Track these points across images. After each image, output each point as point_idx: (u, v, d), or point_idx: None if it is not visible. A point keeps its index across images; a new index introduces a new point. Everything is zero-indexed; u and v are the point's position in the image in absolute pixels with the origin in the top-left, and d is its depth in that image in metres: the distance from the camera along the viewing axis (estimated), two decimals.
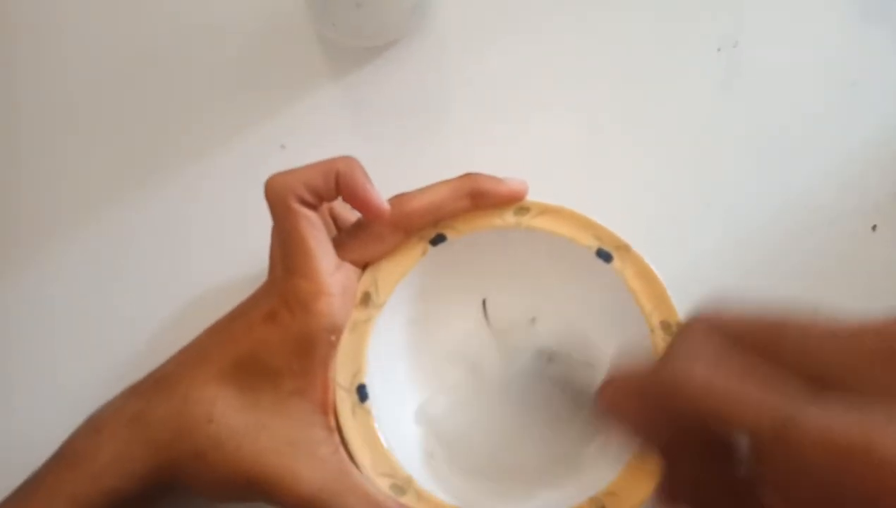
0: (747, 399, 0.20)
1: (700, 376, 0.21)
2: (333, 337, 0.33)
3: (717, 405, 0.20)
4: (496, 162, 0.36)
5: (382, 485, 0.33)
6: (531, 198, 0.35)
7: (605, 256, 0.34)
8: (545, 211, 0.35)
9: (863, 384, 0.19)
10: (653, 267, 0.34)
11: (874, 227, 0.40)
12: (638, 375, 0.24)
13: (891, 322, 0.20)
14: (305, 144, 0.41)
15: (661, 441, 0.24)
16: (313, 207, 0.33)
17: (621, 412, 0.24)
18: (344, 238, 0.35)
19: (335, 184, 0.32)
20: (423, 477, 0.34)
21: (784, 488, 0.19)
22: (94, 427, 0.32)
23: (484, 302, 0.37)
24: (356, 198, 0.33)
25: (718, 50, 0.43)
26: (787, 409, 0.19)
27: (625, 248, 0.34)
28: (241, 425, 0.31)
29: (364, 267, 0.35)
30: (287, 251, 0.33)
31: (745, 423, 0.20)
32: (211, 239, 0.41)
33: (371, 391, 0.34)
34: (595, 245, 0.35)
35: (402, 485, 0.33)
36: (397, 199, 0.34)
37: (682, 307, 0.34)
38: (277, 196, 0.32)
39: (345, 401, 0.33)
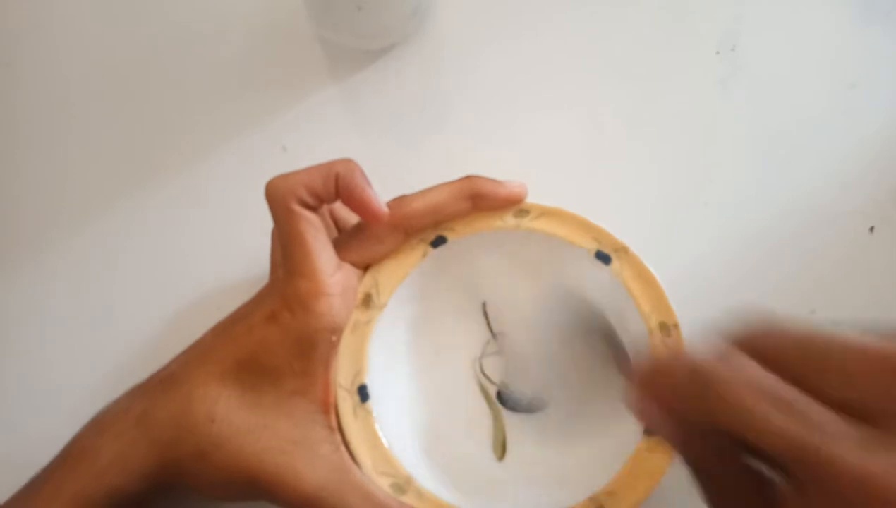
0: (786, 422, 0.20)
1: (741, 392, 0.21)
2: (334, 338, 0.33)
3: (752, 423, 0.20)
4: (495, 164, 0.37)
5: (383, 484, 0.33)
6: (530, 199, 0.35)
7: (603, 258, 0.35)
8: (545, 213, 0.35)
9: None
10: (651, 268, 0.34)
11: (872, 229, 0.40)
12: (673, 373, 0.23)
13: None
14: (306, 146, 0.41)
15: (682, 434, 0.24)
16: (313, 209, 0.33)
17: (651, 397, 0.24)
18: (344, 239, 0.35)
19: (334, 186, 0.33)
20: (423, 476, 0.34)
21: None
22: (98, 426, 0.32)
23: (484, 305, 0.38)
24: (354, 201, 0.33)
25: (717, 52, 0.43)
26: (824, 440, 0.19)
27: (623, 250, 0.35)
28: (244, 424, 0.32)
29: (364, 268, 0.35)
30: (287, 252, 0.33)
31: (780, 447, 0.20)
32: (212, 240, 0.41)
33: (372, 391, 0.34)
34: (594, 247, 0.35)
35: (403, 484, 0.33)
36: (397, 201, 0.34)
37: (681, 308, 0.34)
38: (278, 198, 0.32)
39: (346, 402, 0.34)
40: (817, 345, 0.21)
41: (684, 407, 0.23)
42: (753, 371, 0.21)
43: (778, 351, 0.22)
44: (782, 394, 0.21)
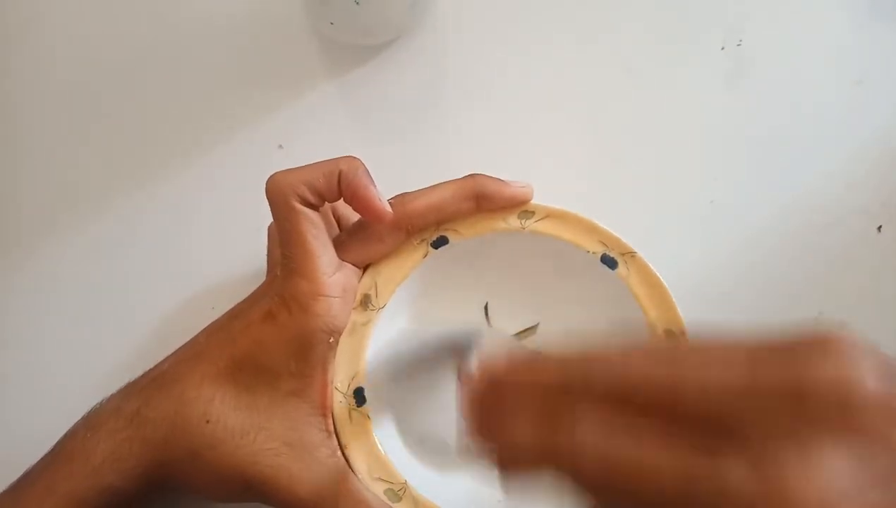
0: (647, 463, 0.18)
1: (595, 448, 0.19)
2: (332, 339, 0.33)
3: (614, 476, 0.19)
4: (497, 162, 0.36)
5: (378, 490, 0.33)
6: (535, 200, 0.35)
7: (609, 262, 0.34)
8: (550, 214, 0.34)
9: (764, 429, 0.17)
10: (658, 273, 0.34)
11: (880, 228, 0.40)
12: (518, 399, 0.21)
13: (782, 347, 0.18)
14: (303, 144, 0.41)
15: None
16: (314, 207, 0.32)
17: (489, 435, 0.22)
18: (344, 238, 0.34)
19: (337, 184, 0.32)
20: (419, 482, 0.33)
21: None
22: (90, 424, 0.32)
23: (486, 307, 0.37)
24: (357, 200, 0.32)
25: (722, 48, 0.43)
26: (696, 468, 0.18)
27: (630, 254, 0.34)
28: (239, 425, 0.31)
29: (365, 267, 0.34)
30: (287, 251, 0.32)
31: (652, 490, 0.18)
32: (208, 238, 0.40)
33: (369, 395, 0.34)
34: (600, 250, 0.34)
35: (398, 491, 0.33)
36: (399, 199, 0.34)
37: (682, 308, 0.33)
38: (278, 194, 0.32)
39: (342, 405, 0.33)
40: (676, 376, 0.19)
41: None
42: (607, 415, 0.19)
43: (628, 386, 0.20)
44: (646, 431, 0.19)
